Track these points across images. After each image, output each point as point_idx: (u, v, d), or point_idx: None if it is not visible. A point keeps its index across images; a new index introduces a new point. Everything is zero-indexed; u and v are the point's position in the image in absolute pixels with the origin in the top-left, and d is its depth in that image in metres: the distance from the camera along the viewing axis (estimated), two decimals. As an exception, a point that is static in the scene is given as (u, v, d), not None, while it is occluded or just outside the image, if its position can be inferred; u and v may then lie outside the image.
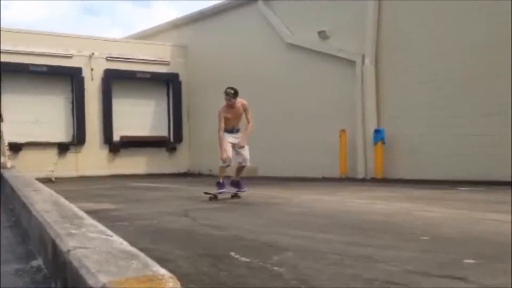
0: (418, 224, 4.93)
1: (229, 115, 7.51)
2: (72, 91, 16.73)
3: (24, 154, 15.35)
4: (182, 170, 18.02)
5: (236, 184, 7.66)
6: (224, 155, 7.36)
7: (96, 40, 17.66)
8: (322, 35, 13.57)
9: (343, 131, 12.80)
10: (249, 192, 8.00)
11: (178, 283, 1.82)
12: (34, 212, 3.56)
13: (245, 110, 7.61)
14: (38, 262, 3.05)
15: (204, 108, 17.49)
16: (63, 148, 16.43)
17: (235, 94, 7.50)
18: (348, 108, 12.89)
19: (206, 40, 17.76)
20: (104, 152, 17.16)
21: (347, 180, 12.10)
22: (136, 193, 9.61)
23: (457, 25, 10.89)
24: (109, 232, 2.71)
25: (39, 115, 16.00)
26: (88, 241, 2.46)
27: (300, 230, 4.70)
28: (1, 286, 2.65)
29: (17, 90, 15.85)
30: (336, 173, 12.80)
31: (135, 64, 17.54)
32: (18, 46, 15.75)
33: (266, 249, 3.75)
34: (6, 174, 7.46)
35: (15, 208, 5.19)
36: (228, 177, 7.78)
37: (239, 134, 7.70)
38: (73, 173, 16.05)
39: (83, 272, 1.96)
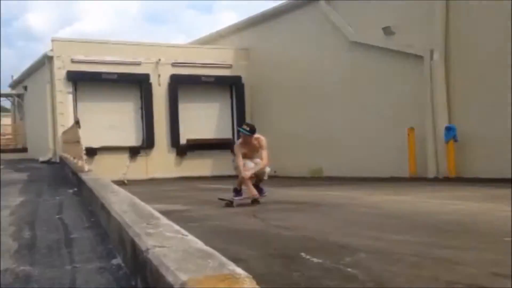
0: (499, 225, 4.67)
1: (245, 151, 7.50)
2: (141, 97, 17.40)
3: (99, 158, 16.12)
4: (247, 171, 18.15)
5: (256, 189, 7.57)
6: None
7: (162, 46, 18.28)
8: (387, 31, 13.19)
9: (411, 129, 12.39)
10: (317, 193, 7.91)
11: (255, 282, 1.82)
12: (112, 213, 3.71)
13: (260, 146, 7.48)
14: (118, 260, 3.17)
15: (267, 109, 17.57)
16: (134, 152, 17.12)
17: (251, 131, 7.39)
18: (416, 105, 12.45)
19: (268, 42, 17.83)
20: (172, 155, 17.69)
21: (418, 179, 11.69)
22: (204, 195, 9.81)
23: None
24: (184, 231, 2.77)
25: (111, 121, 16.75)
26: (166, 240, 2.53)
27: (371, 230, 4.59)
28: (82, 284, 2.77)
29: (91, 98, 16.73)
30: (404, 172, 12.40)
31: (199, 69, 17.94)
32: (90, 56, 16.61)
33: (337, 250, 3.69)
34: (84, 177, 7.85)
35: (94, 209, 5.45)
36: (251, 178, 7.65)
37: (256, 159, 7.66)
38: (143, 176, 16.64)
39: (163, 270, 2.02)
